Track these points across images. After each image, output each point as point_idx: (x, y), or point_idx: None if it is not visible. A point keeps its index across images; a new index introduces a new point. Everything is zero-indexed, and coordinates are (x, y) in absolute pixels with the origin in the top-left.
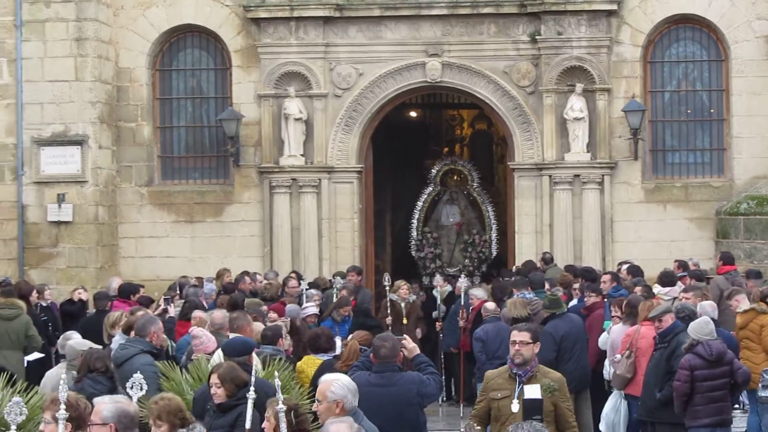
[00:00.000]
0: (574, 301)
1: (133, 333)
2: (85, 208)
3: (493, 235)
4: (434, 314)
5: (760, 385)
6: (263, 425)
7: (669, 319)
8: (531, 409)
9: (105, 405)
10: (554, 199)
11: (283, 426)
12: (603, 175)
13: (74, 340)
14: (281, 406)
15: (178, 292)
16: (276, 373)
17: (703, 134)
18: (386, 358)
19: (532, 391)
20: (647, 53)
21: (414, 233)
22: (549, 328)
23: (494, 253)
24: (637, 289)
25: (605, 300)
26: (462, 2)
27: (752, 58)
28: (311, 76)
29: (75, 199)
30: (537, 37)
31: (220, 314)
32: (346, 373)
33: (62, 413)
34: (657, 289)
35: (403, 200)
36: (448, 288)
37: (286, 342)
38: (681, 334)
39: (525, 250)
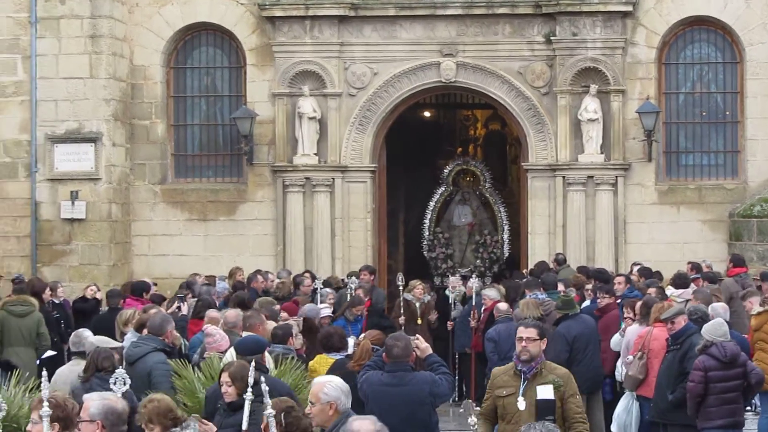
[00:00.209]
0: (587, 302)
1: (145, 331)
2: (98, 206)
3: (506, 236)
4: (453, 314)
5: None
6: (261, 426)
7: (681, 321)
8: (544, 409)
9: (93, 402)
10: (567, 200)
11: (273, 429)
12: (616, 177)
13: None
14: (269, 411)
15: (190, 290)
16: (263, 378)
17: (717, 136)
18: (399, 358)
19: (545, 392)
20: (662, 55)
21: (426, 233)
22: (561, 329)
23: (506, 253)
24: (651, 290)
25: (618, 301)
26: (477, 2)
27: (767, 61)
28: (326, 75)
29: (88, 196)
30: (552, 37)
31: (233, 313)
32: (358, 372)
33: (45, 410)
34: (670, 290)
35: (416, 200)
36: (462, 289)
37: (297, 341)
38: (693, 336)
39: (538, 250)
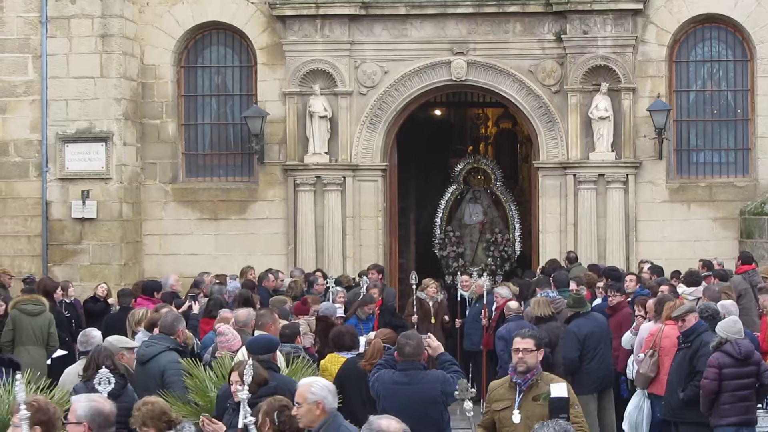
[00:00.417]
0: (598, 300)
1: (156, 330)
2: (109, 205)
3: (517, 234)
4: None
5: None
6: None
7: (692, 319)
8: (557, 407)
9: (80, 404)
10: (578, 198)
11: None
12: (627, 175)
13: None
14: (249, 419)
15: (202, 289)
16: (246, 387)
17: (727, 134)
18: (411, 357)
19: (559, 390)
20: (673, 53)
21: (437, 232)
22: (573, 327)
23: (518, 252)
24: (663, 288)
25: (629, 300)
26: (488, 1)
27: None
28: (336, 73)
29: (99, 195)
30: (562, 36)
31: (245, 312)
32: (369, 371)
33: (23, 413)
34: (681, 288)
35: (427, 198)
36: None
37: (307, 340)
38: (704, 334)
39: (549, 249)
